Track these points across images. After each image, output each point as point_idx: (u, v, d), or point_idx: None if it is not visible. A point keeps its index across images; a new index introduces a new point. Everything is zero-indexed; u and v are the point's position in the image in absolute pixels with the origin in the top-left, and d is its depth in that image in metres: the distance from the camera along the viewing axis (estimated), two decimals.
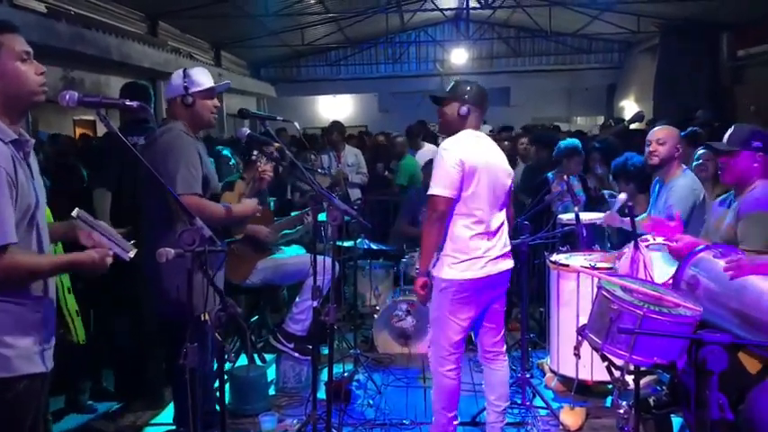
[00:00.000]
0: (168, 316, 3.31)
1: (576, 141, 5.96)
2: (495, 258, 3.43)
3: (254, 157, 4.52)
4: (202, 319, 2.54)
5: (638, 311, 2.39)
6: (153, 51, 9.04)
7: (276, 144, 3.48)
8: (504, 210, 3.55)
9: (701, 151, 4.82)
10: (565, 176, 4.90)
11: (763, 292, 2.46)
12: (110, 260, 2.26)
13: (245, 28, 12.74)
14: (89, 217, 2.34)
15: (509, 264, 3.55)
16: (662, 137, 4.10)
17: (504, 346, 3.71)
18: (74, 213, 2.35)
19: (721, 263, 2.69)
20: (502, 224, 3.52)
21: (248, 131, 3.55)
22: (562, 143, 5.93)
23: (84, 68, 8.42)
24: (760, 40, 10.39)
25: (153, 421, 4.29)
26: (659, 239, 3.18)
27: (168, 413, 4.31)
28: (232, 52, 14.79)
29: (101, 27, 7.83)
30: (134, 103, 2.52)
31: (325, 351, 3.65)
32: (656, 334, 2.35)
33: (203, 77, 3.37)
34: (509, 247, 3.57)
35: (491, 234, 3.43)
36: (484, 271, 3.39)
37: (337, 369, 4.55)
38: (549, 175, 5.80)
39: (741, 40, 11.19)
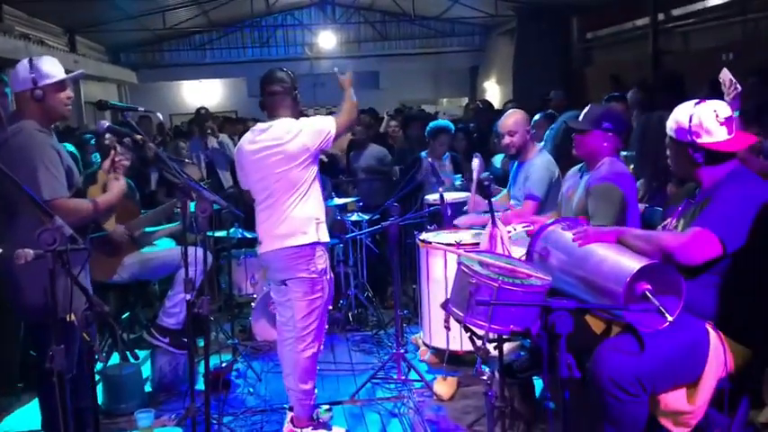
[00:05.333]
0: (33, 319, 3.18)
1: (442, 122, 6.26)
2: None
3: (107, 142, 4.35)
4: (68, 320, 2.48)
5: (494, 284, 2.58)
6: None
7: (138, 136, 3.38)
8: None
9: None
10: (430, 158, 5.11)
11: (602, 259, 2.71)
12: None
13: (101, 11, 12.04)
14: None
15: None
16: (512, 127, 4.33)
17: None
18: None
19: (569, 234, 2.94)
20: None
21: (108, 124, 3.45)
22: (430, 124, 6.22)
23: None
24: (605, 24, 11.11)
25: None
26: (519, 228, 3.41)
27: (17, 416, 4.14)
28: (88, 37, 13.97)
29: None
30: None
31: (202, 343, 3.63)
32: (511, 304, 2.55)
33: (53, 68, 3.15)
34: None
35: None
36: None
37: (215, 360, 4.53)
38: (423, 154, 6.00)
39: (589, 23, 11.90)
